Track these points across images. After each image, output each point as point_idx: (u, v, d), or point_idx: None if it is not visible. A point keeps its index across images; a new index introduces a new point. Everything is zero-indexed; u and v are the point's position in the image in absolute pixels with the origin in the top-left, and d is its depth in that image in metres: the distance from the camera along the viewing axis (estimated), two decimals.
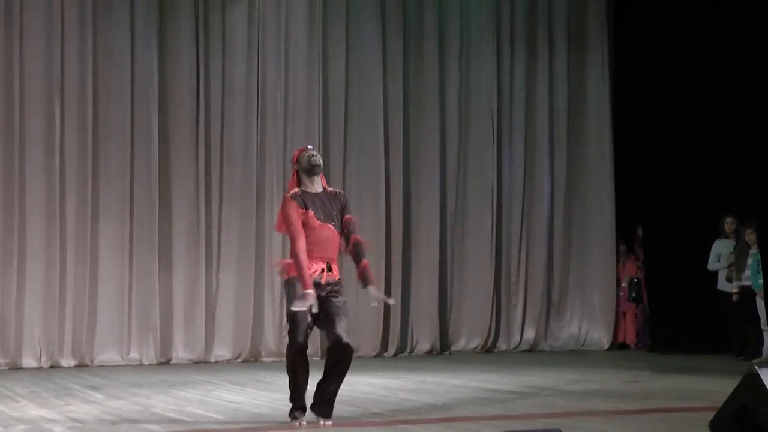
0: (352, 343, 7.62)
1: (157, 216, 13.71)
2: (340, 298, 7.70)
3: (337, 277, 7.77)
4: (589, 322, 16.17)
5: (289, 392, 7.78)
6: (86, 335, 13.27)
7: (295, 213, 7.63)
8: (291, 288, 7.64)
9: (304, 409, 7.71)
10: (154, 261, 13.66)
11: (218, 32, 14.23)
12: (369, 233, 14.82)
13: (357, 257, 7.89)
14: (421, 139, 15.34)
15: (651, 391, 9.98)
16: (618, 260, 16.22)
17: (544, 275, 15.98)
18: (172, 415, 8.36)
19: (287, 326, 7.77)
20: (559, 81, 16.18)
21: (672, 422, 7.84)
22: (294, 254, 7.56)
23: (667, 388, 10.24)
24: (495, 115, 15.72)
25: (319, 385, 7.66)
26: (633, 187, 16.00)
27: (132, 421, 8.00)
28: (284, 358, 14.65)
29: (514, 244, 15.84)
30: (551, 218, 16.10)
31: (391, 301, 8.39)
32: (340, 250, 7.86)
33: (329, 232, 7.75)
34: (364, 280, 7.79)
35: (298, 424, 7.61)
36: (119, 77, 13.69)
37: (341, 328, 7.56)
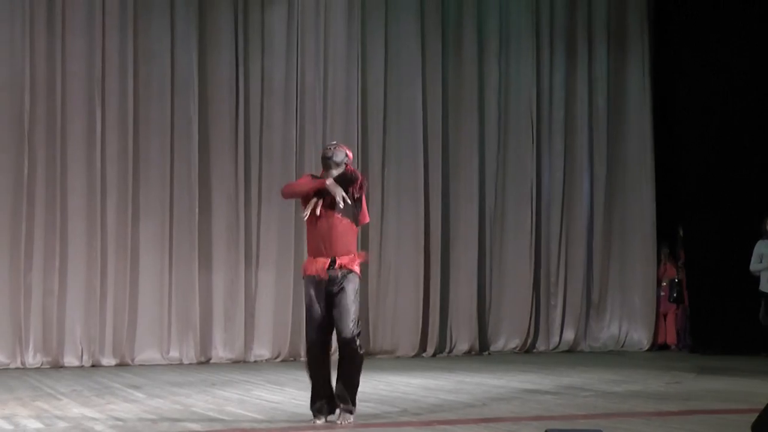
0: (356, 336, 7.64)
1: (196, 215, 13.77)
2: (345, 290, 7.68)
3: (339, 271, 7.72)
4: (629, 323, 16.09)
5: None
6: (127, 334, 13.36)
7: (304, 179, 7.92)
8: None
9: (321, 409, 7.75)
10: (193, 260, 13.72)
11: (257, 33, 14.27)
12: (408, 234, 14.88)
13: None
14: (460, 139, 15.31)
15: (692, 393, 9.91)
16: (660, 261, 16.11)
17: (583, 276, 15.91)
18: (211, 414, 8.40)
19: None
20: (599, 81, 16.11)
21: (713, 424, 7.78)
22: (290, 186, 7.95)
23: (709, 390, 10.16)
24: (534, 116, 15.67)
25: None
26: (674, 187, 15.89)
27: (172, 420, 8.04)
28: None
29: (554, 244, 15.79)
30: (591, 219, 16.02)
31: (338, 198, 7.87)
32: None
33: (335, 221, 7.74)
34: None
35: (312, 423, 7.66)
36: (159, 77, 13.77)
37: (344, 323, 7.62)
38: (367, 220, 8.12)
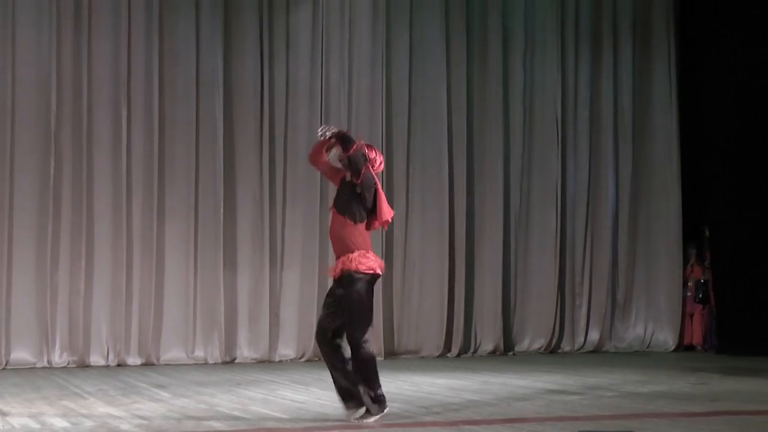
0: (361, 342, 7.59)
1: (221, 216, 13.81)
2: (346, 292, 7.65)
3: (339, 272, 7.67)
4: (654, 324, 16.03)
5: None
6: (152, 334, 13.41)
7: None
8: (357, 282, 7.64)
9: (346, 404, 7.79)
10: (218, 261, 13.76)
11: (282, 34, 14.30)
12: (433, 233, 14.88)
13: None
14: (484, 139, 15.29)
15: (719, 394, 9.85)
16: (687, 262, 16.03)
17: (608, 276, 15.86)
18: (236, 413, 8.42)
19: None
20: (625, 80, 16.05)
21: (740, 425, 7.74)
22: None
23: (735, 391, 10.10)
24: (559, 115, 15.63)
25: None
26: (700, 187, 15.81)
27: (197, 419, 8.06)
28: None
29: (579, 244, 15.75)
30: (616, 218, 15.97)
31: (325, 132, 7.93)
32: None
33: (333, 219, 7.78)
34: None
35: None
36: (185, 79, 13.82)
37: (348, 328, 7.65)
38: (386, 218, 7.92)
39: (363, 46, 14.68)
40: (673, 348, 15.82)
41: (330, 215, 7.95)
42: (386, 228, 8.32)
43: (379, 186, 7.90)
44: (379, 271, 7.73)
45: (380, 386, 7.78)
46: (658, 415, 8.25)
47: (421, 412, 8.43)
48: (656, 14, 16.19)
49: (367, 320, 7.66)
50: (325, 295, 7.80)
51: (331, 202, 8.06)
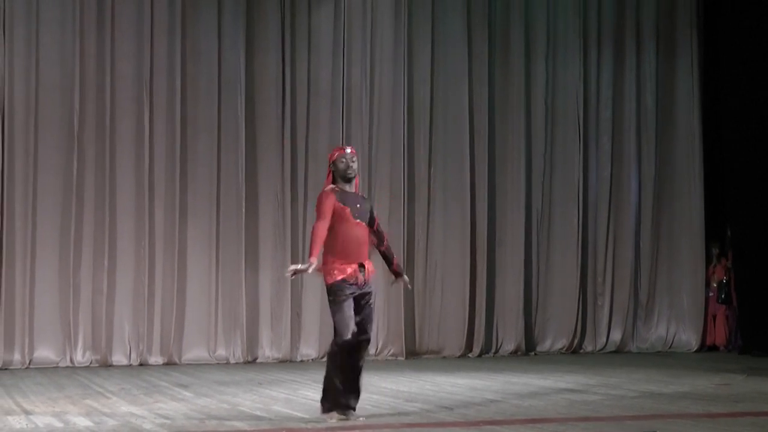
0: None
1: (243, 215, 13.84)
2: (373, 298, 7.90)
3: (369, 278, 7.82)
4: (677, 324, 15.97)
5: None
6: (174, 333, 13.46)
7: (330, 203, 7.76)
8: (333, 293, 7.73)
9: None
10: (240, 260, 13.79)
11: (304, 33, 14.32)
12: (454, 233, 14.87)
13: (390, 256, 8.17)
14: (506, 138, 15.27)
15: (742, 394, 9.80)
16: (710, 262, 15.96)
17: (631, 276, 15.81)
18: (258, 413, 8.43)
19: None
20: (647, 80, 15.99)
21: (764, 426, 7.69)
22: (314, 232, 7.68)
23: (759, 391, 10.04)
24: (581, 115, 15.59)
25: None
26: (722, 186, 15.74)
27: (219, 419, 8.08)
28: (369, 358, 14.76)
29: (601, 244, 15.70)
30: (638, 218, 15.92)
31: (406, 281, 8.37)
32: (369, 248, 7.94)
33: (363, 230, 7.86)
34: (398, 273, 8.22)
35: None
36: (207, 78, 13.86)
37: (371, 328, 7.91)
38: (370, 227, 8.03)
39: (385, 45, 14.68)
40: (695, 348, 15.75)
41: (350, 221, 7.86)
42: None
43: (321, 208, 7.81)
44: None
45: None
46: (681, 416, 8.21)
47: (442, 413, 8.43)
48: (679, 14, 16.12)
49: (338, 324, 7.82)
50: None
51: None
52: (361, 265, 7.76)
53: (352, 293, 7.68)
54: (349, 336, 7.62)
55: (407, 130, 14.69)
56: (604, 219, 15.73)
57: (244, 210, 13.85)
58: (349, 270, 7.71)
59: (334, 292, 7.73)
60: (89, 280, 13.20)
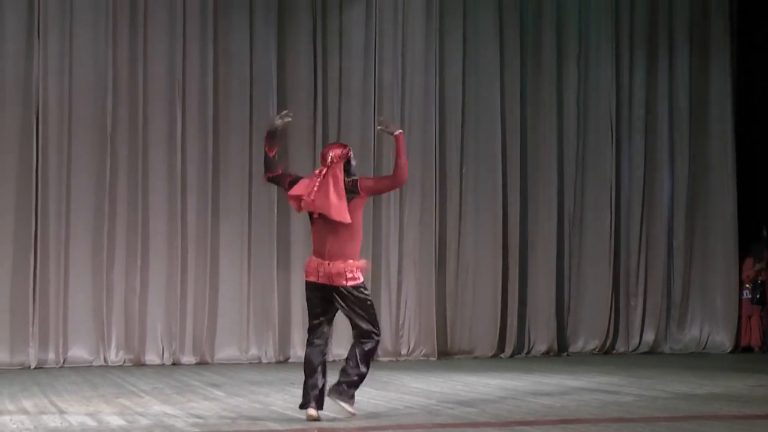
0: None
1: (275, 215, 13.88)
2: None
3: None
4: (710, 325, 15.87)
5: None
6: (207, 333, 13.51)
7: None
8: (365, 290, 7.88)
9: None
10: (272, 259, 13.83)
11: (336, 33, 14.34)
12: (486, 234, 14.84)
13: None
14: (538, 139, 15.23)
15: None
16: (743, 262, 15.84)
17: (664, 277, 15.73)
18: (290, 413, 8.44)
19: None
20: (680, 80, 15.90)
21: None
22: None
23: None
24: (614, 116, 15.53)
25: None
26: (756, 187, 15.63)
27: (251, 419, 8.10)
28: (401, 358, 14.76)
29: (634, 244, 15.63)
30: (672, 219, 15.83)
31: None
32: None
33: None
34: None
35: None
36: (239, 78, 13.91)
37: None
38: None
39: (416, 46, 14.68)
40: (729, 350, 15.65)
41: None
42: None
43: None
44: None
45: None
46: (714, 418, 8.16)
47: (474, 413, 8.41)
48: (713, 14, 16.01)
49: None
50: (376, 293, 7.84)
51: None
52: None
53: None
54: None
55: (439, 130, 14.68)
56: (636, 219, 15.66)
57: (276, 210, 13.88)
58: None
59: (365, 289, 7.86)
60: (122, 279, 13.28)
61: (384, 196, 14.27)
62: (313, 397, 7.84)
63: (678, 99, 15.90)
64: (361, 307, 7.80)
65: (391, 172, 8.08)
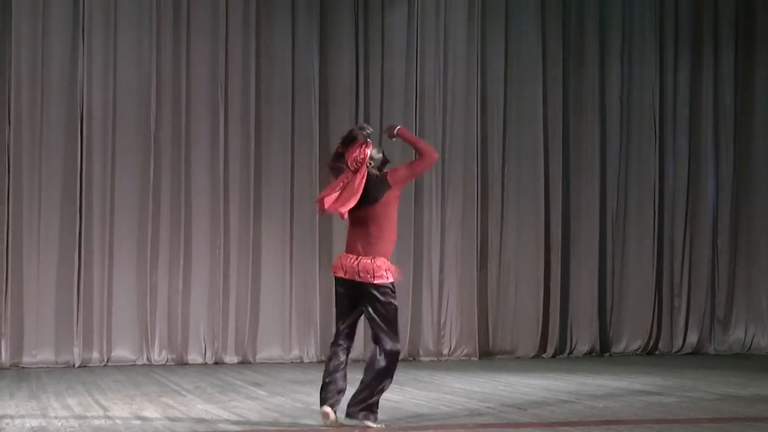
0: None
1: (317, 215, 13.90)
2: None
3: None
4: (755, 326, 15.73)
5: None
6: (249, 333, 13.57)
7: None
8: (393, 294, 7.62)
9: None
10: (314, 260, 13.86)
11: (377, 34, 14.35)
12: (528, 232, 14.80)
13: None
14: (581, 138, 15.16)
15: None
16: None
17: (708, 277, 15.60)
18: None
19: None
20: (726, 79, 15.75)
21: None
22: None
23: None
24: (657, 114, 15.42)
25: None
26: None
27: (293, 418, 8.13)
28: (442, 358, 14.73)
29: (678, 244, 15.51)
30: (716, 219, 15.70)
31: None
32: None
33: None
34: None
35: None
36: (281, 79, 13.96)
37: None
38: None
39: (458, 46, 14.66)
40: None
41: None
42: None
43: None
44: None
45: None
46: (759, 419, 8.09)
47: (516, 413, 8.39)
48: (759, 9, 15.86)
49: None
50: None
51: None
52: None
53: None
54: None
55: (480, 129, 14.65)
56: (681, 219, 15.55)
57: (317, 210, 13.89)
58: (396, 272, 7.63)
59: (393, 291, 7.58)
60: (165, 280, 13.36)
61: (426, 196, 14.29)
62: (331, 395, 7.59)
63: (723, 98, 15.77)
64: (385, 320, 7.56)
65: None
